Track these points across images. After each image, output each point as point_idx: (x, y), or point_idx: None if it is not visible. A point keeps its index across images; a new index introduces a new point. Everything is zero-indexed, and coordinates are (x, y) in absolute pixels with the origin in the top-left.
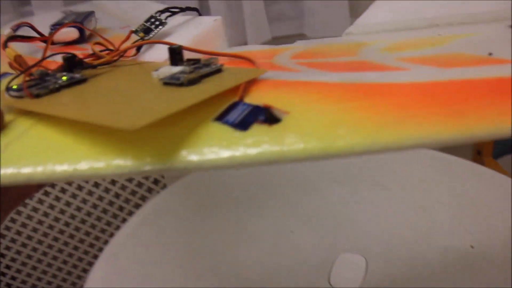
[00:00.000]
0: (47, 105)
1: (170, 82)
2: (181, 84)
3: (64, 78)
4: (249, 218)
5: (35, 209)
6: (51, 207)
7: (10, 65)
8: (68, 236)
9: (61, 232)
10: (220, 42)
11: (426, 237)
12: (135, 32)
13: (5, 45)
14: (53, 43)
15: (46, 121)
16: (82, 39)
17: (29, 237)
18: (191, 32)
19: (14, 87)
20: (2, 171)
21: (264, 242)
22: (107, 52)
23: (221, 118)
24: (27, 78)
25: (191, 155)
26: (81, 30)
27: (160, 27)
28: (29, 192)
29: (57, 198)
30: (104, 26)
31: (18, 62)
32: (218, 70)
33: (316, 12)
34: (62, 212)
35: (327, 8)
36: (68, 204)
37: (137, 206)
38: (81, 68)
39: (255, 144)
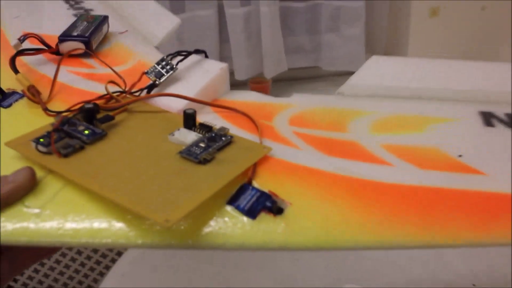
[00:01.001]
0: (77, 173)
1: (188, 157)
2: (198, 162)
3: (87, 132)
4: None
5: None
6: None
7: (23, 92)
8: (76, 252)
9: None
10: (224, 87)
11: (430, 273)
12: (147, 73)
13: (14, 66)
14: (59, 54)
15: (75, 184)
16: (88, 51)
17: None
18: (199, 80)
19: (41, 140)
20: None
21: (270, 270)
22: (119, 94)
23: (233, 202)
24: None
25: (208, 239)
26: (87, 44)
27: (171, 71)
28: (47, 253)
29: None
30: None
31: (32, 92)
32: (229, 142)
33: (332, 46)
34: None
35: (344, 43)
36: None
37: None
38: (101, 120)
39: (263, 235)
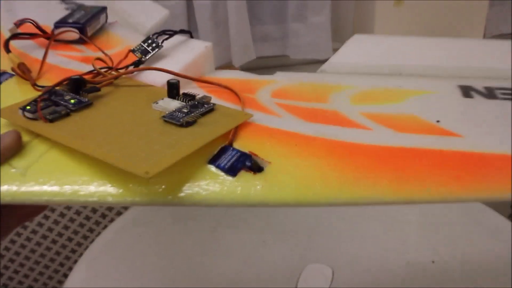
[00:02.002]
0: (62, 135)
1: (171, 121)
2: (180, 125)
3: (73, 101)
4: (224, 229)
5: None
6: None
7: (13, 70)
8: (51, 241)
9: (44, 237)
10: (209, 66)
11: (391, 252)
12: (133, 51)
13: (7, 46)
14: (54, 40)
15: (60, 147)
16: (82, 39)
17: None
18: (184, 57)
19: (28, 107)
20: (27, 189)
21: (237, 251)
22: (106, 70)
23: (214, 161)
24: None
25: (190, 194)
26: (82, 31)
27: (156, 49)
28: (36, 212)
29: None
30: None
31: (22, 69)
32: (211, 109)
33: (299, 34)
34: (45, 217)
35: (310, 31)
36: (51, 209)
37: (119, 213)
38: (87, 91)
39: (242, 190)
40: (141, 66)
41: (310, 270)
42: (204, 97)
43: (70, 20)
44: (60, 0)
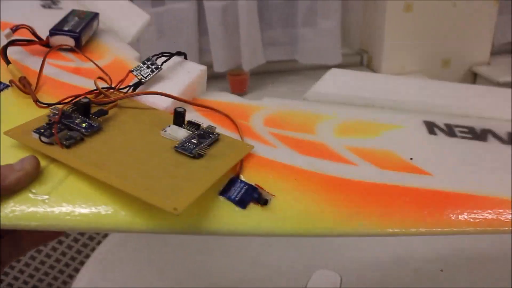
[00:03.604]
0: (82, 162)
1: (183, 152)
2: (192, 157)
3: (84, 125)
4: None
5: None
6: None
7: (12, 82)
8: (57, 242)
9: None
10: (202, 88)
11: (399, 260)
12: (133, 72)
13: (5, 56)
14: (49, 46)
15: (79, 173)
16: (77, 46)
17: None
18: (182, 80)
19: (43, 131)
20: (50, 215)
21: (245, 254)
22: (107, 90)
23: (224, 193)
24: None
25: (205, 225)
26: (77, 40)
27: (156, 71)
28: (53, 236)
29: None
30: None
31: (23, 83)
32: (216, 139)
33: (308, 39)
34: None
35: (320, 36)
36: None
37: None
38: (97, 114)
39: (252, 222)
40: (141, 89)
41: (318, 276)
42: (210, 127)
43: (66, 28)
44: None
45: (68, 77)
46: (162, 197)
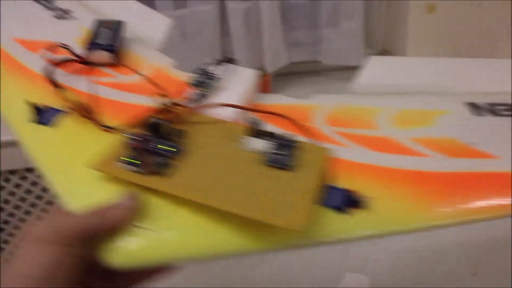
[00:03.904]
0: (181, 189)
1: (275, 165)
2: (286, 169)
3: (169, 148)
4: None
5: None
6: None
7: (70, 108)
8: None
9: None
10: (255, 92)
11: (429, 263)
12: (193, 85)
13: (53, 80)
14: (86, 63)
15: (177, 199)
16: (117, 59)
17: None
18: (240, 87)
19: (126, 159)
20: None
21: (273, 259)
22: (172, 106)
23: (323, 202)
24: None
25: (315, 236)
26: (116, 54)
27: (216, 82)
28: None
29: None
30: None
31: (81, 108)
32: (297, 147)
33: (331, 40)
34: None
35: (343, 37)
36: None
37: None
38: (176, 135)
39: (359, 226)
40: (211, 102)
41: (348, 279)
42: (289, 135)
43: (101, 42)
44: (42, 6)
45: (115, 94)
46: (281, 216)
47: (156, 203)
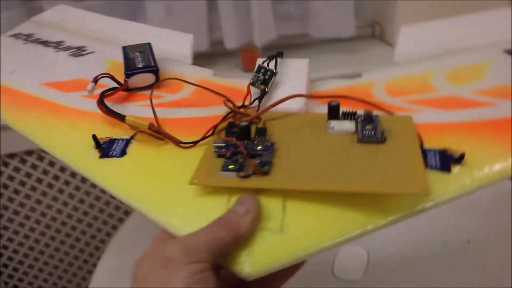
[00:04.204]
0: (294, 182)
1: (369, 141)
2: (380, 142)
3: (259, 147)
4: None
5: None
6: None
7: (141, 132)
8: (71, 228)
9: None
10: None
11: (425, 232)
12: (253, 84)
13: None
14: (128, 90)
15: (292, 194)
16: (157, 80)
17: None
18: (300, 78)
19: (231, 166)
20: (297, 247)
21: None
22: (243, 109)
23: (427, 164)
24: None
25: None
26: (156, 74)
27: (274, 77)
28: (292, 272)
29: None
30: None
31: (154, 130)
32: (380, 121)
33: (321, 13)
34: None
35: (332, 9)
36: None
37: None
38: (259, 134)
39: (462, 182)
40: (265, 98)
41: (345, 252)
42: (367, 111)
43: (139, 65)
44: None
45: (174, 112)
46: (404, 184)
47: (268, 203)
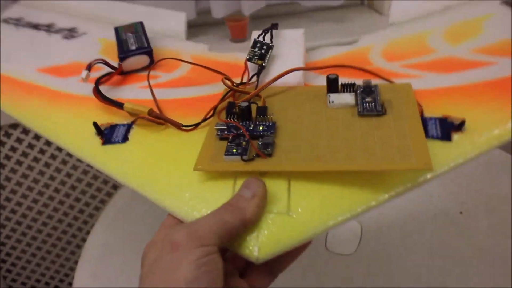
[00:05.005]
0: (298, 163)
1: (369, 114)
2: (380, 114)
3: (261, 128)
4: None
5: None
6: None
7: (142, 118)
8: (59, 202)
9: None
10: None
11: (417, 205)
12: (249, 60)
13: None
14: (123, 73)
15: (295, 175)
16: (152, 61)
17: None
18: (296, 49)
19: (234, 150)
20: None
21: None
22: (241, 86)
23: (428, 134)
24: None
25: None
26: (151, 55)
27: (270, 51)
28: (298, 253)
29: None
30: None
31: (154, 115)
32: (379, 91)
33: None
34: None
35: None
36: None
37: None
38: (261, 113)
39: (464, 148)
40: (263, 73)
41: (339, 226)
42: (366, 81)
43: (132, 47)
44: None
45: (172, 92)
46: (407, 160)
47: (273, 184)
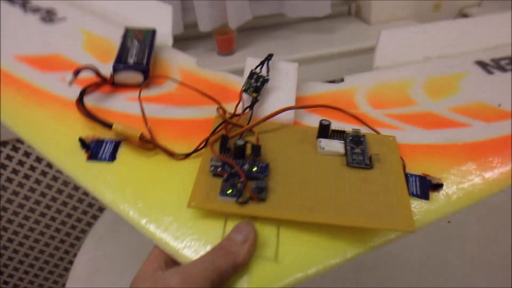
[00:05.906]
0: (289, 212)
1: (358, 166)
2: (368, 167)
3: (255, 169)
4: None
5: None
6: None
7: (129, 141)
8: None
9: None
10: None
11: None
12: (245, 91)
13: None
14: (114, 84)
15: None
16: (146, 78)
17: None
18: (288, 84)
19: (229, 191)
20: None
21: None
22: (234, 118)
23: (408, 190)
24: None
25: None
26: (146, 75)
27: (266, 84)
28: None
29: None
30: (103, 36)
31: (145, 140)
32: (367, 141)
33: None
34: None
35: None
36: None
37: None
38: (255, 153)
39: (443, 208)
40: (256, 105)
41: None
42: (356, 131)
43: (130, 60)
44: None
45: (160, 110)
46: (391, 221)
47: (263, 229)
